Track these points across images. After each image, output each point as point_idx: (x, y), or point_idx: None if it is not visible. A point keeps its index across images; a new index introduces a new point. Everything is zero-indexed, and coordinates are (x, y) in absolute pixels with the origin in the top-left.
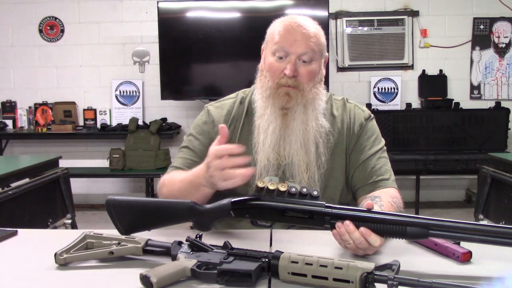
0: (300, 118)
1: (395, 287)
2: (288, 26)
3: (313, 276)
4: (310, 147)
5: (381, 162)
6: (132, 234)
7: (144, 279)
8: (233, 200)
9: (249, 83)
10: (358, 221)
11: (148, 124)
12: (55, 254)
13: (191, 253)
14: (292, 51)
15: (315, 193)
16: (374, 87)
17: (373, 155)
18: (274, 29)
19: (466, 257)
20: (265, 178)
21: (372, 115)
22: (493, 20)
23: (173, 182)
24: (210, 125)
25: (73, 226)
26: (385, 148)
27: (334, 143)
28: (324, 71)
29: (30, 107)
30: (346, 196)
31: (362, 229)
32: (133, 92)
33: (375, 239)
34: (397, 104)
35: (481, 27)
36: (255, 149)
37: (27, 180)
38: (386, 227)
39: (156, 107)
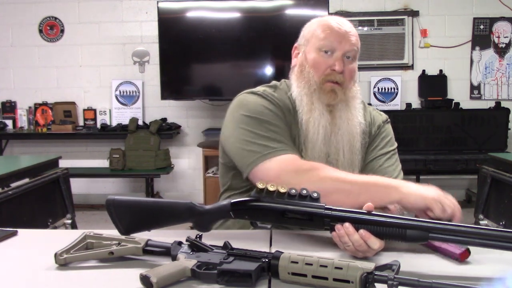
0: (345, 115)
1: (395, 287)
2: (335, 24)
3: (313, 276)
4: (356, 144)
5: (390, 162)
6: (132, 234)
7: (144, 279)
8: (232, 201)
9: (249, 82)
10: (358, 224)
11: (148, 124)
12: (55, 254)
13: (191, 253)
14: (340, 48)
15: (315, 195)
16: (374, 87)
17: (383, 155)
18: (316, 27)
19: (464, 256)
20: None
21: (389, 119)
22: (493, 20)
23: (344, 178)
24: (278, 108)
25: (73, 226)
26: (396, 150)
27: None
28: None
29: (30, 107)
30: None
31: (361, 231)
32: (133, 92)
33: (374, 241)
34: (397, 104)
35: (481, 27)
36: (304, 145)
37: (27, 180)
38: (386, 230)
39: (156, 107)
